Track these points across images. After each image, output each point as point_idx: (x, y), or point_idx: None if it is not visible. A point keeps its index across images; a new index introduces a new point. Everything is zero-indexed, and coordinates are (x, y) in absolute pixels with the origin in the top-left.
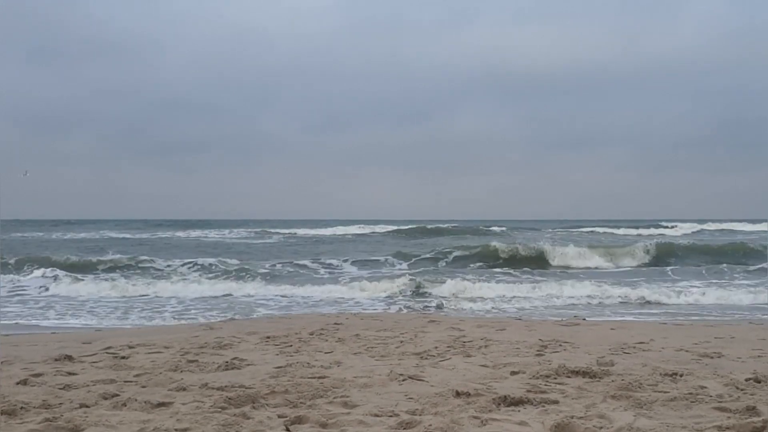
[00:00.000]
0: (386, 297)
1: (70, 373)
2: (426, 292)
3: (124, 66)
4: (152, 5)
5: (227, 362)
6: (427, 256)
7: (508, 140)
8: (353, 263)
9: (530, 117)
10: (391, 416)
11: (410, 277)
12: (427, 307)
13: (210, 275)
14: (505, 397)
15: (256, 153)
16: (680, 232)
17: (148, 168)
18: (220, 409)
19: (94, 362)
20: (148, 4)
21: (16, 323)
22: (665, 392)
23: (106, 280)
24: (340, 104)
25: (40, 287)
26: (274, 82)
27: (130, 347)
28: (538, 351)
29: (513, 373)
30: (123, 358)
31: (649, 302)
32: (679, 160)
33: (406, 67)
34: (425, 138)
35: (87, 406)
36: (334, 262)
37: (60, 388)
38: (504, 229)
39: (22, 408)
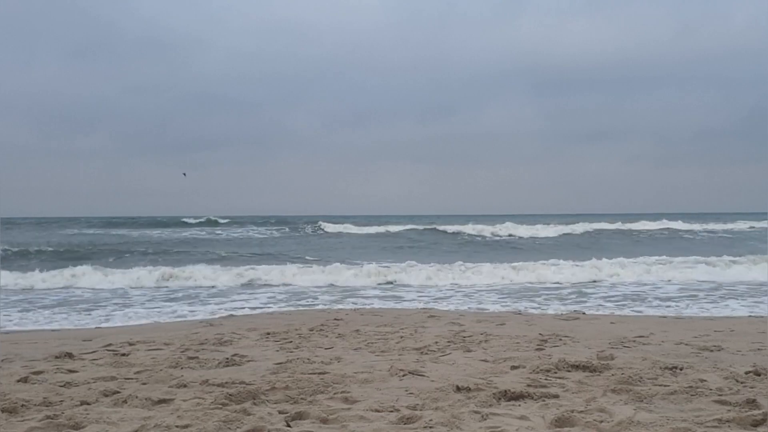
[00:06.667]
0: None
1: (70, 371)
2: None
3: (165, 62)
4: (200, 1)
5: (227, 359)
6: None
7: (536, 134)
8: None
9: (561, 110)
10: (391, 411)
11: None
12: None
13: None
14: (505, 391)
15: (277, 149)
16: None
17: (162, 165)
18: (220, 406)
19: (94, 359)
20: (195, 1)
21: None
22: (665, 386)
23: None
24: (372, 99)
25: None
26: (312, 76)
27: (131, 344)
28: (538, 345)
29: (513, 367)
30: (123, 355)
31: None
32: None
33: (447, 63)
34: (452, 132)
35: (88, 404)
36: None
37: (61, 386)
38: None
39: (22, 406)
